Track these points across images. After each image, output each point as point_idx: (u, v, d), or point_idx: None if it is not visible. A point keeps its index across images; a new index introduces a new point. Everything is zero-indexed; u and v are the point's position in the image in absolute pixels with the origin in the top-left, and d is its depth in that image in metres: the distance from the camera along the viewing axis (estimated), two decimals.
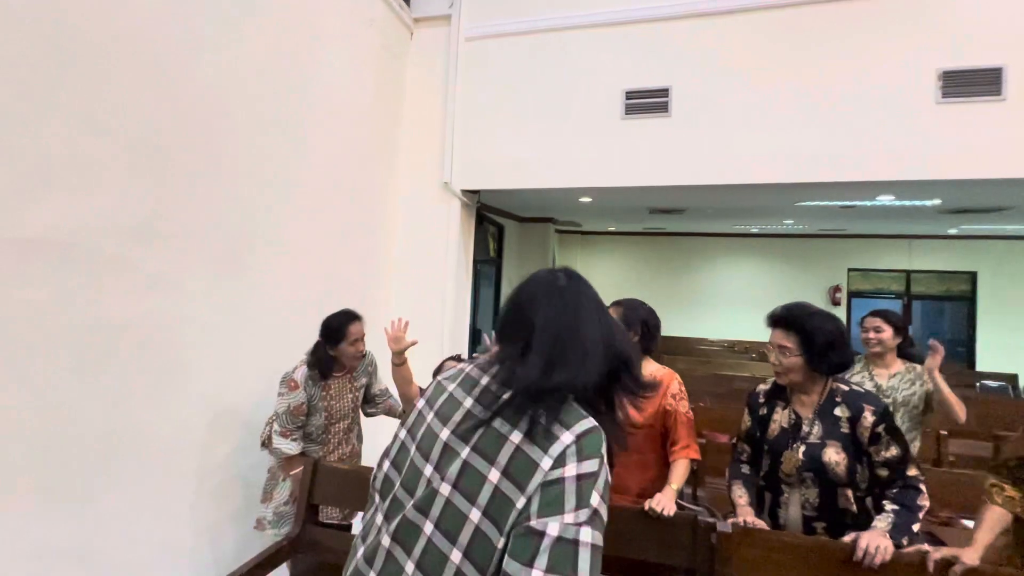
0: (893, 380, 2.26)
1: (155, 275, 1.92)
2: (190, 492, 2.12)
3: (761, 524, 1.48)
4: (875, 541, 1.30)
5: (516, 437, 0.76)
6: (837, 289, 8.33)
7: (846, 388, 1.53)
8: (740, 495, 1.60)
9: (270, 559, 1.68)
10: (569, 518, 0.70)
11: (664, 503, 1.53)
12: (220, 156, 2.18)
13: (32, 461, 1.56)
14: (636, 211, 6.41)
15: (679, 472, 1.70)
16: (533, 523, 0.70)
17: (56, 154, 1.59)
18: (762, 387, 1.70)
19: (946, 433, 2.78)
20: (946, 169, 2.88)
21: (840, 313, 7.66)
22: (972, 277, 7.91)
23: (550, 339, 0.83)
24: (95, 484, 1.74)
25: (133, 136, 1.82)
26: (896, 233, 7.84)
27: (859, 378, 2.67)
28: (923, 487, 1.41)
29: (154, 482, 1.95)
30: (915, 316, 8.35)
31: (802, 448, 1.50)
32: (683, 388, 1.86)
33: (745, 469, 1.69)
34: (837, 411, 1.50)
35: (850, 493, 1.46)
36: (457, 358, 2.22)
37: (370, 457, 1.91)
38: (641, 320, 1.85)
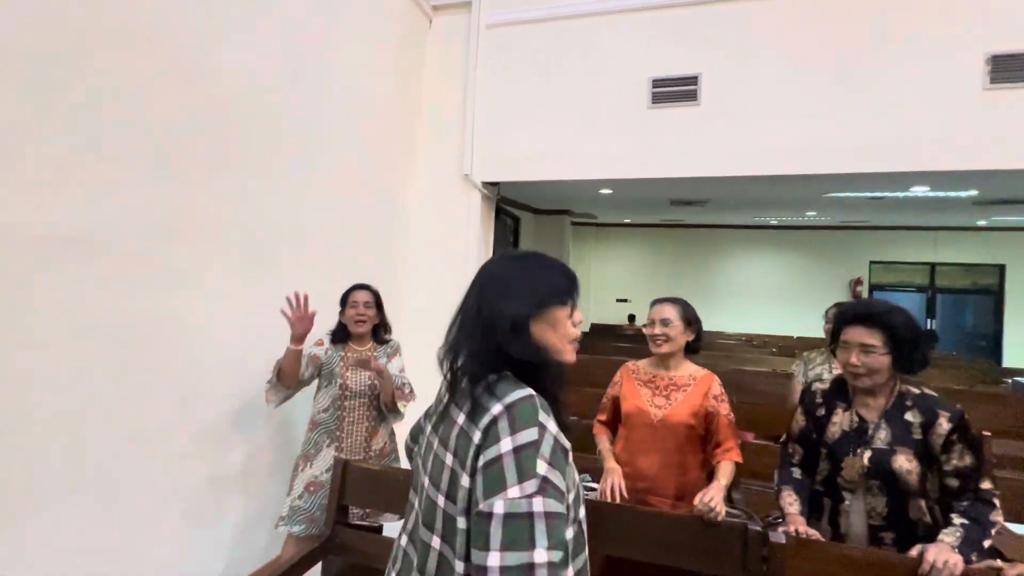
0: None
1: (179, 272, 1.89)
2: (217, 491, 2.09)
3: (815, 534, 1.40)
4: (943, 555, 1.22)
5: (460, 419, 0.80)
6: (859, 282, 8.15)
7: (916, 391, 1.42)
8: (791, 502, 1.51)
9: (302, 561, 1.64)
10: (514, 492, 0.68)
11: (715, 497, 1.47)
12: (239, 151, 2.14)
13: (61, 460, 1.54)
14: (655, 203, 6.30)
15: (727, 472, 1.65)
16: (481, 507, 0.69)
17: (77, 150, 1.54)
18: (819, 386, 1.61)
19: (989, 434, 2.67)
20: (992, 158, 2.76)
21: None
22: (1000, 270, 7.70)
23: (467, 322, 0.85)
24: (123, 483, 1.72)
25: (154, 132, 1.77)
26: (922, 225, 7.65)
27: (820, 370, 2.56)
28: (997, 502, 1.32)
29: (181, 480, 1.93)
30: (939, 310, 8.16)
31: (867, 454, 1.40)
32: (723, 389, 1.79)
33: (796, 473, 1.59)
34: (908, 416, 1.40)
35: (923, 503, 1.37)
36: None
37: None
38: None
